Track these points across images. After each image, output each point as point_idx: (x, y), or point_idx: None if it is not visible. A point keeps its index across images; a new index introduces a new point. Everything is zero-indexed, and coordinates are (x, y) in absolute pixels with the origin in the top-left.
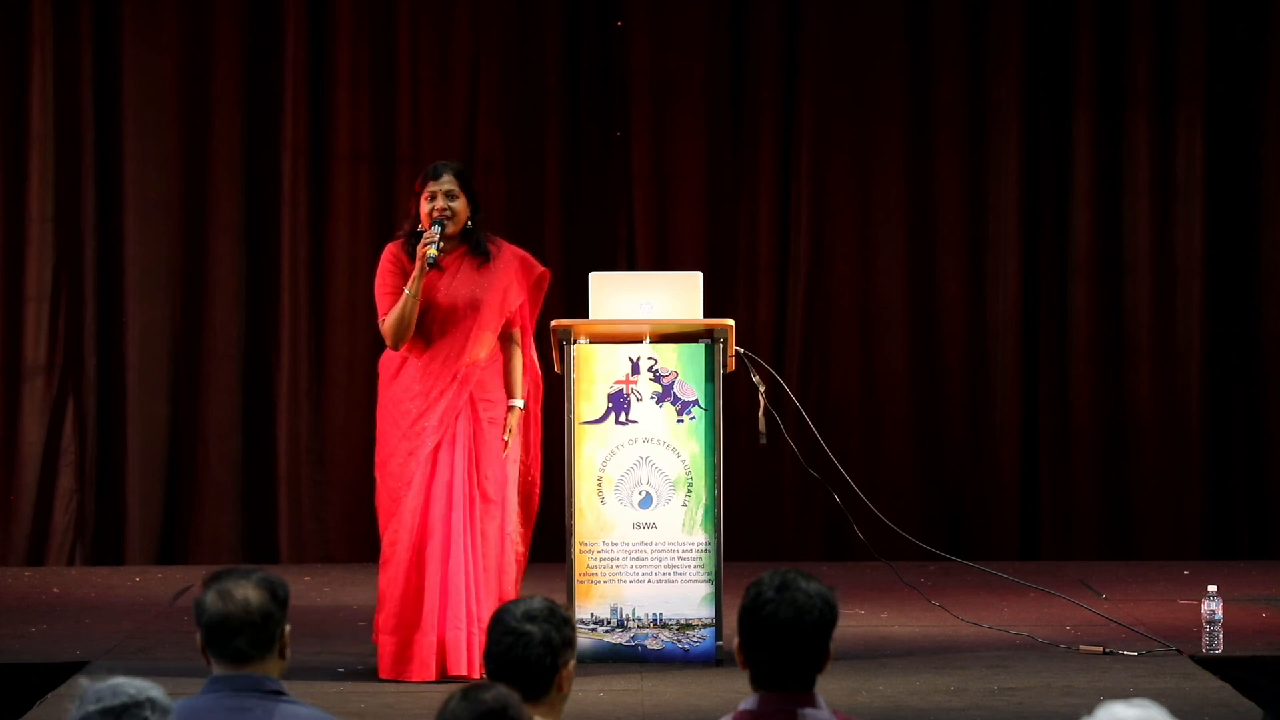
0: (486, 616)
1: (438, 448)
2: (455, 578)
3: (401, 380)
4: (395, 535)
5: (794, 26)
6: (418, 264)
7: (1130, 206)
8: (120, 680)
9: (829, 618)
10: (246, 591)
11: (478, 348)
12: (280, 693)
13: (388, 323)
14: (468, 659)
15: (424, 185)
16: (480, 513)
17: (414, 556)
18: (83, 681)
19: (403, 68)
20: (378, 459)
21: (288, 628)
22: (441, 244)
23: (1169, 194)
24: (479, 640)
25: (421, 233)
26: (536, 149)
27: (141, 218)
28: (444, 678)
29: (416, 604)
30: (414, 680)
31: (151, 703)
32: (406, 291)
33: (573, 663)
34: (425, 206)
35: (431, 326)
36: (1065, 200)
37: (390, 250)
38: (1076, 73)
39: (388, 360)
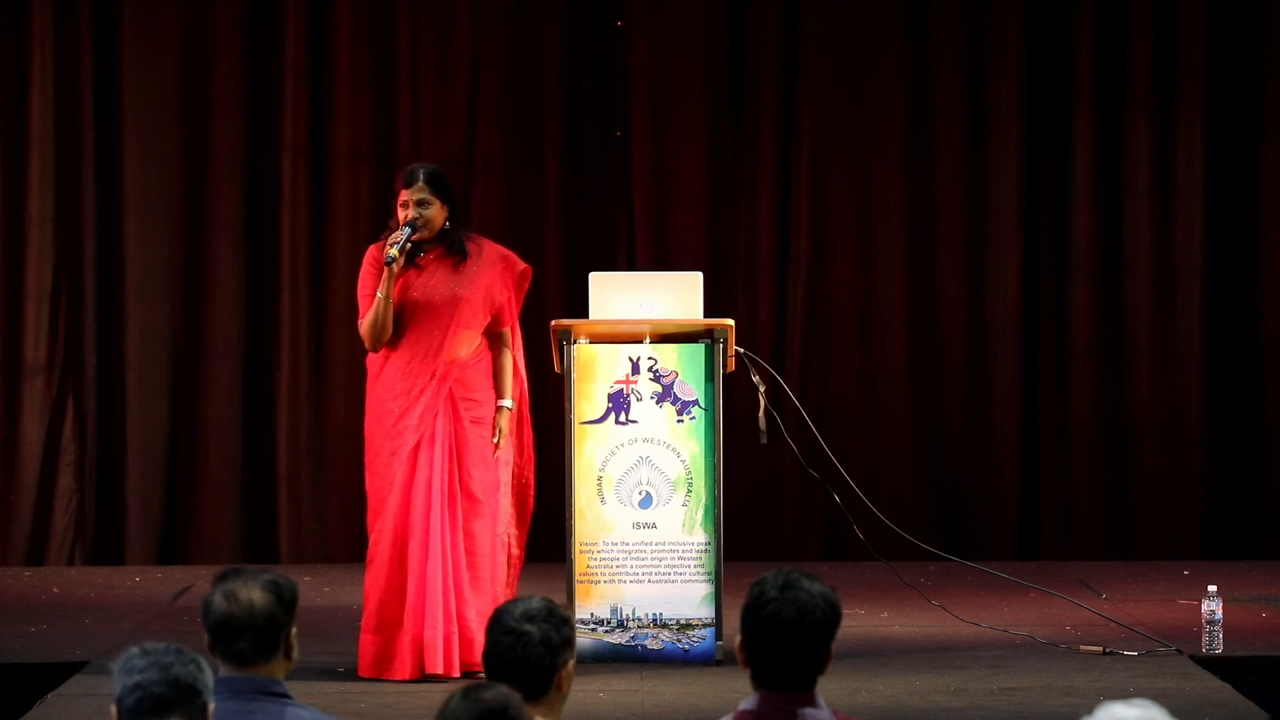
0: (472, 615)
1: (417, 446)
2: (433, 576)
3: (384, 380)
4: (379, 535)
5: (794, 26)
6: (385, 275)
7: (1130, 206)
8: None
9: (831, 619)
10: (252, 594)
11: (457, 345)
12: (285, 695)
13: (363, 325)
14: (444, 658)
15: (399, 190)
16: (465, 512)
17: (396, 556)
18: (132, 648)
19: (403, 68)
20: (365, 459)
21: (294, 630)
22: (407, 245)
23: (1169, 194)
24: (457, 639)
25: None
26: (536, 149)
27: (141, 218)
28: (421, 676)
29: (398, 603)
30: (394, 679)
31: (192, 656)
32: (379, 294)
33: (572, 662)
34: (400, 213)
35: (410, 326)
36: (1065, 200)
37: (371, 253)
38: (1076, 73)
39: (372, 360)
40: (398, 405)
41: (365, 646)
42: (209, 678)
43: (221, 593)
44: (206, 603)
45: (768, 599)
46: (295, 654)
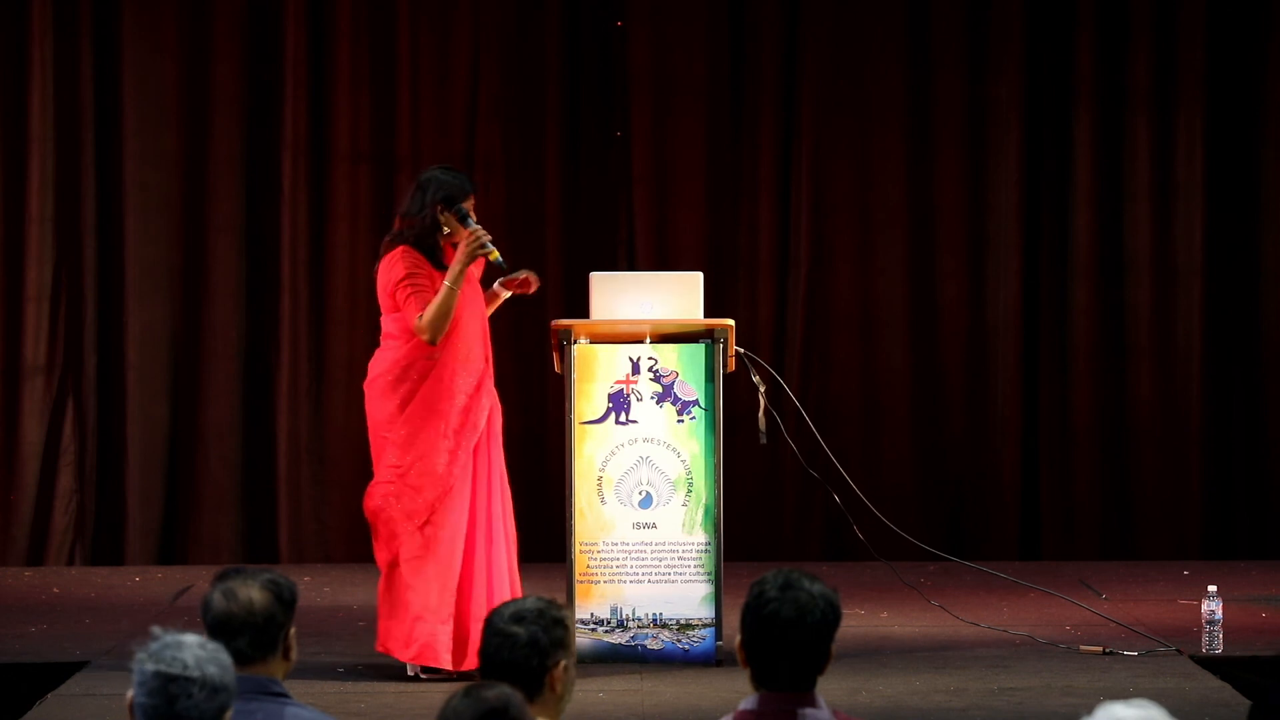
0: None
1: (477, 443)
2: (499, 565)
3: (436, 385)
4: (437, 529)
5: (794, 27)
6: (464, 256)
7: (1130, 206)
8: (189, 641)
9: (831, 619)
10: (251, 592)
11: (489, 340)
12: (284, 695)
13: (429, 316)
14: None
15: (464, 196)
16: (503, 500)
17: (466, 547)
18: (155, 629)
19: (403, 68)
20: (404, 460)
21: (293, 630)
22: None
23: (1169, 194)
24: None
25: (429, 231)
26: (536, 149)
27: (141, 218)
28: None
29: (468, 593)
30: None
31: (204, 681)
32: (447, 283)
33: (564, 663)
34: (467, 224)
35: (454, 327)
36: (1065, 200)
37: (408, 253)
38: (1076, 73)
39: (403, 364)
40: (459, 403)
41: (436, 635)
42: (227, 697)
43: (221, 591)
44: (206, 601)
45: (768, 599)
46: (294, 654)
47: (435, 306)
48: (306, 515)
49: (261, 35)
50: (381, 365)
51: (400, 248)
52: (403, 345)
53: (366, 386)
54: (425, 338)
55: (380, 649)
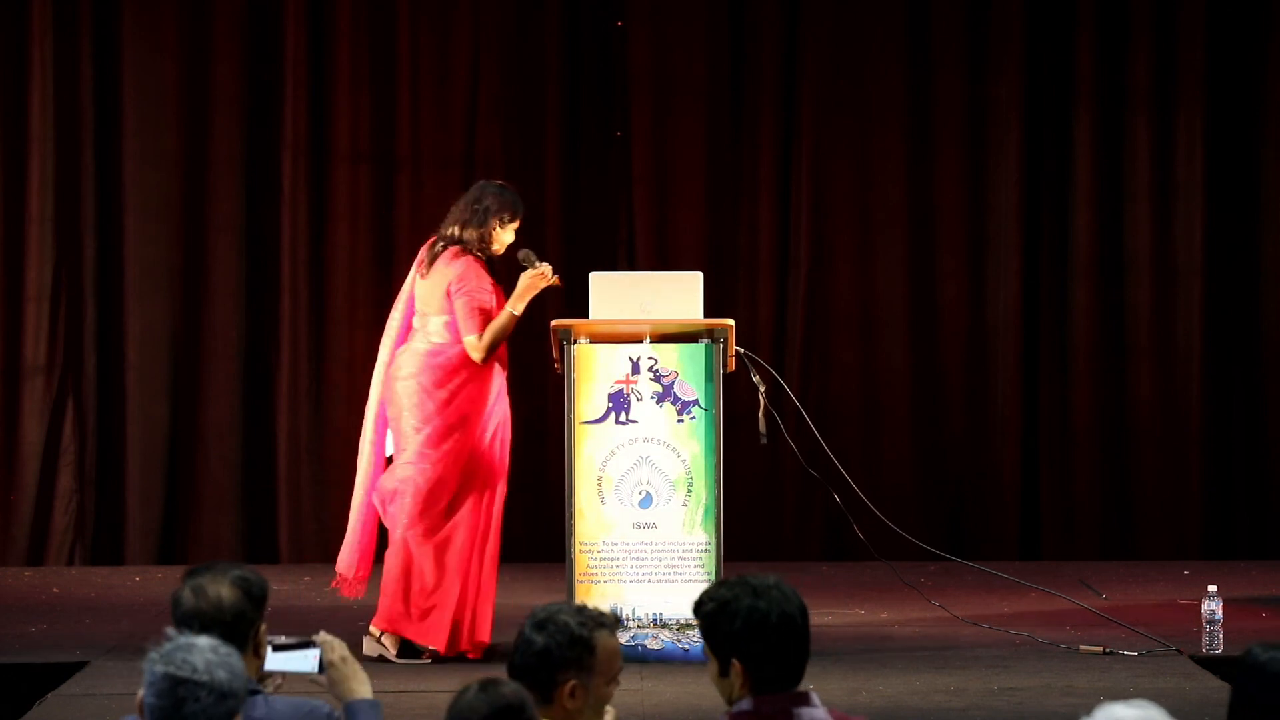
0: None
1: (495, 436)
2: (494, 558)
3: (480, 386)
4: (457, 522)
5: (794, 27)
6: (534, 289)
7: (1130, 206)
8: (201, 644)
9: (805, 605)
10: (220, 589)
11: None
12: (255, 691)
13: (489, 339)
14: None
15: (516, 216)
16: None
17: (484, 542)
18: (169, 630)
19: (403, 68)
20: (437, 450)
21: (263, 627)
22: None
23: (1169, 194)
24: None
25: (486, 243)
26: (536, 149)
27: (141, 218)
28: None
29: (475, 585)
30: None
31: (213, 686)
32: (514, 311)
33: (574, 684)
34: (509, 237)
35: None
36: (1065, 200)
37: (476, 264)
38: (1076, 73)
39: (453, 365)
40: (491, 408)
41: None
42: (236, 703)
43: (190, 588)
44: (175, 598)
45: (756, 608)
46: (265, 652)
47: (497, 330)
48: (306, 515)
49: (261, 35)
50: (429, 368)
51: (470, 256)
52: (455, 351)
53: (401, 380)
54: (476, 357)
55: (386, 627)
